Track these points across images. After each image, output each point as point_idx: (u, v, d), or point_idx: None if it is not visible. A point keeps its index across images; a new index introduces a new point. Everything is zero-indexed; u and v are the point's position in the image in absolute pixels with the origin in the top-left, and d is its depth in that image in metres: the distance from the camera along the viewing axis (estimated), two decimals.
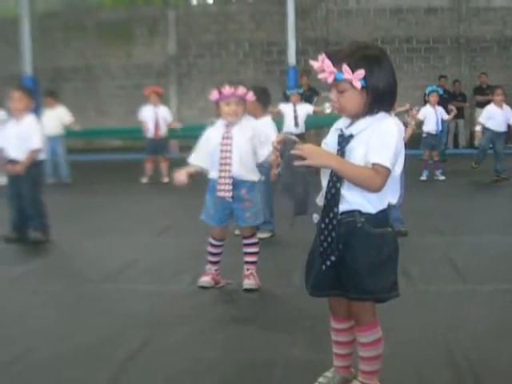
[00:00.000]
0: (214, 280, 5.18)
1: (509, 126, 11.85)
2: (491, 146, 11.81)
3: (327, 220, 2.89)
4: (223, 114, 4.97)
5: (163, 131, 12.49)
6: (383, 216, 2.89)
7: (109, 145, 19.34)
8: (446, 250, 6.31)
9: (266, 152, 5.07)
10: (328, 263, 2.90)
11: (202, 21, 19.88)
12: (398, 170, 2.86)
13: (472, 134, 18.30)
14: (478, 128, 12.16)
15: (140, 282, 5.46)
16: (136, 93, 17.34)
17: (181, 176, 4.98)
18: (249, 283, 5.09)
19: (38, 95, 15.16)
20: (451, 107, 13.31)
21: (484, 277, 5.38)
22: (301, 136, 12.11)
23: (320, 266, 2.93)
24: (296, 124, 11.86)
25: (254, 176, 5.12)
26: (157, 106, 12.35)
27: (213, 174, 5.06)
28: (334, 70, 2.77)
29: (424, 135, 12.13)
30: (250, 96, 5.01)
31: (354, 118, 2.87)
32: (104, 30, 19.98)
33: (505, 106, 11.71)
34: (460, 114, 17.81)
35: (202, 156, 5.05)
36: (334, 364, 3.18)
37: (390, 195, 2.89)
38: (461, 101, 18.11)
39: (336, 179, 2.87)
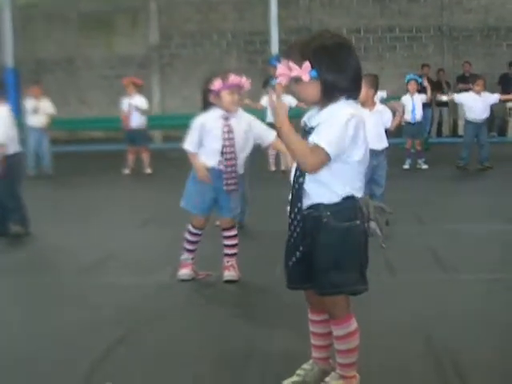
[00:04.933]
0: (193, 271, 5.16)
1: (490, 112, 11.90)
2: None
3: (293, 215, 2.92)
4: (226, 103, 4.90)
5: (136, 122, 12.16)
6: (350, 209, 2.87)
7: (91, 136, 19.24)
8: (427, 239, 6.32)
9: (271, 137, 5.08)
10: (294, 259, 2.93)
11: (184, 10, 19.78)
12: (356, 157, 2.85)
13: (455, 123, 18.42)
14: (444, 97, 12.42)
15: (121, 274, 5.43)
16: (118, 83, 17.23)
17: (204, 173, 4.96)
18: (229, 274, 5.07)
19: (19, 87, 15.07)
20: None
21: (464, 266, 5.39)
22: None
23: (288, 261, 2.97)
24: None
25: (242, 168, 5.14)
26: (131, 97, 12.09)
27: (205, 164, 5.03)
28: (286, 71, 2.80)
29: (403, 124, 12.10)
30: (247, 84, 4.99)
31: (318, 107, 2.90)
32: (86, 21, 19.84)
33: (483, 93, 11.71)
34: (443, 103, 17.86)
35: (199, 143, 5.01)
36: (312, 355, 3.17)
37: (350, 183, 2.87)
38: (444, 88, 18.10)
39: (299, 174, 2.90)
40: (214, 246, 5.42)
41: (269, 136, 5.10)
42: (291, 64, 2.79)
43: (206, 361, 3.59)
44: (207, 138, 4.99)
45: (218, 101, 4.92)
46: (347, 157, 2.82)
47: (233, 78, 4.85)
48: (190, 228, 5.15)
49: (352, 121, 2.80)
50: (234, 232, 5.17)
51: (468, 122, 11.87)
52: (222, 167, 4.98)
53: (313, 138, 2.79)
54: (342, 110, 2.83)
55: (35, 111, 12.34)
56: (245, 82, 4.95)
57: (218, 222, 5.59)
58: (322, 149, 2.76)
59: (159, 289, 5.00)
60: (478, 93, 11.61)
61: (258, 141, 5.16)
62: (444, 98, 12.64)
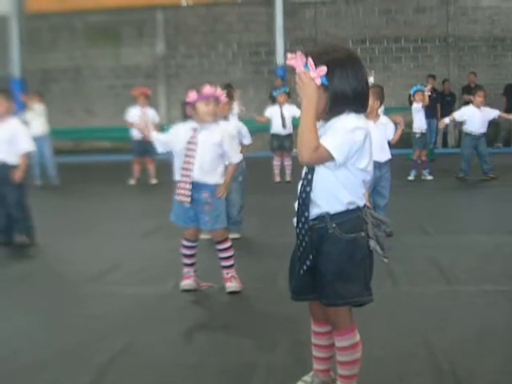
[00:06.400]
0: (195, 282, 5.17)
1: (490, 124, 11.86)
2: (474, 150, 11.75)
3: (300, 225, 2.92)
4: (202, 114, 4.94)
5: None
6: (355, 220, 2.89)
7: (97, 146, 19.29)
8: (431, 250, 6.31)
9: (232, 160, 5.18)
10: (304, 267, 2.92)
11: (190, 21, 19.85)
12: (360, 165, 2.85)
13: (461, 134, 18.39)
14: (446, 120, 12.14)
15: (124, 284, 5.44)
16: (125, 93, 17.31)
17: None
18: (232, 286, 5.07)
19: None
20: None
21: (468, 277, 5.37)
22: (289, 136, 12.13)
23: (299, 271, 2.95)
24: (284, 125, 11.86)
25: (218, 180, 5.08)
26: (144, 108, 12.17)
27: (178, 177, 5.09)
28: (300, 63, 2.79)
29: (417, 135, 12.09)
30: (224, 98, 5.10)
31: (324, 120, 2.89)
32: (93, 32, 19.92)
33: (483, 108, 11.67)
34: (449, 114, 17.84)
35: (166, 144, 5.13)
36: (313, 367, 3.17)
37: (354, 191, 2.88)
38: (450, 100, 18.12)
39: (306, 183, 2.91)
40: (212, 258, 5.42)
41: (231, 158, 5.17)
42: (310, 60, 2.77)
43: (207, 372, 3.60)
44: (176, 148, 5.06)
45: (194, 113, 4.98)
46: (351, 164, 2.84)
47: (207, 89, 4.91)
48: (183, 241, 5.19)
49: (359, 130, 2.81)
50: (227, 244, 5.15)
51: (466, 135, 11.84)
52: None
53: (322, 140, 2.78)
54: (349, 120, 2.84)
55: (34, 121, 12.26)
56: (220, 93, 4.99)
57: (203, 236, 5.63)
58: (327, 150, 2.75)
59: (162, 299, 5.01)
60: (478, 106, 11.58)
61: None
62: (446, 120, 12.42)
